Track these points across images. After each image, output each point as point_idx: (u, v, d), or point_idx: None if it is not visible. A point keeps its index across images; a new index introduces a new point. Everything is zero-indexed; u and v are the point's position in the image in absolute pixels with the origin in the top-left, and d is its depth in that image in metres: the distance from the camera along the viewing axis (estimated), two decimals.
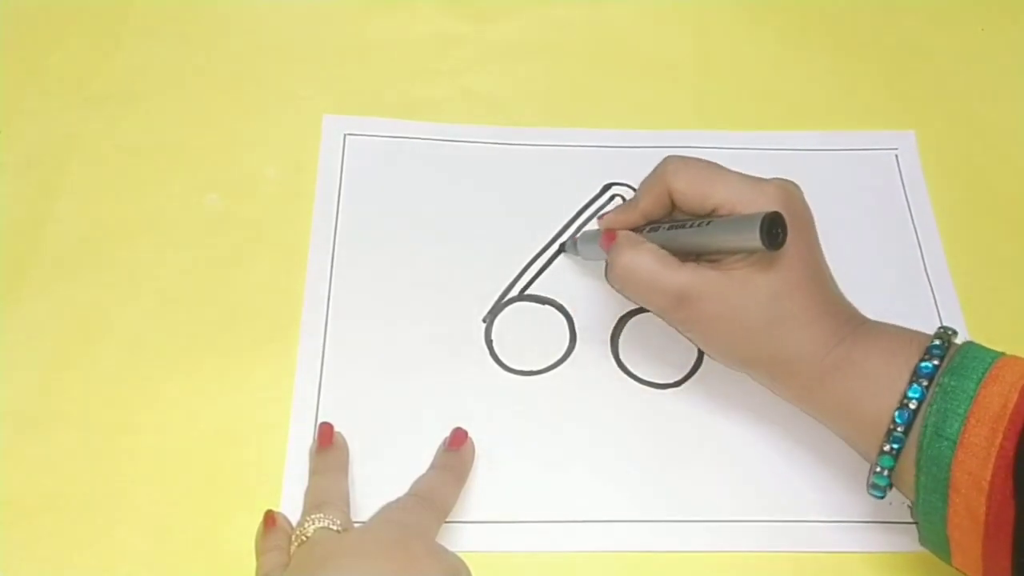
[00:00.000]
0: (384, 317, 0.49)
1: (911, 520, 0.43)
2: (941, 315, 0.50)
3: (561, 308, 0.50)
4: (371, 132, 0.56)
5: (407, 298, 0.50)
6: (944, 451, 0.37)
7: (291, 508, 0.43)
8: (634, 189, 0.53)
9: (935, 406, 0.38)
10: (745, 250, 0.41)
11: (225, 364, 0.47)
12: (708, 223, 0.43)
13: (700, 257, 0.43)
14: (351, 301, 0.50)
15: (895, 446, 0.39)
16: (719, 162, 0.44)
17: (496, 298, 0.50)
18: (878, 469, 0.40)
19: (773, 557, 0.44)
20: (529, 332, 0.49)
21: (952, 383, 0.38)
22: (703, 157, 0.45)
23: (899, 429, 0.39)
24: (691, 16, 0.62)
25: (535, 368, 0.48)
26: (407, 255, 0.51)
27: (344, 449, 0.45)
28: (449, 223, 0.53)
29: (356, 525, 0.42)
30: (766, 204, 0.41)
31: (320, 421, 0.46)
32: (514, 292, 0.51)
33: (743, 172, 0.43)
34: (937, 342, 0.40)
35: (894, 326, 0.43)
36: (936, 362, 0.39)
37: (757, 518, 0.45)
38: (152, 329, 0.48)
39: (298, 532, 0.40)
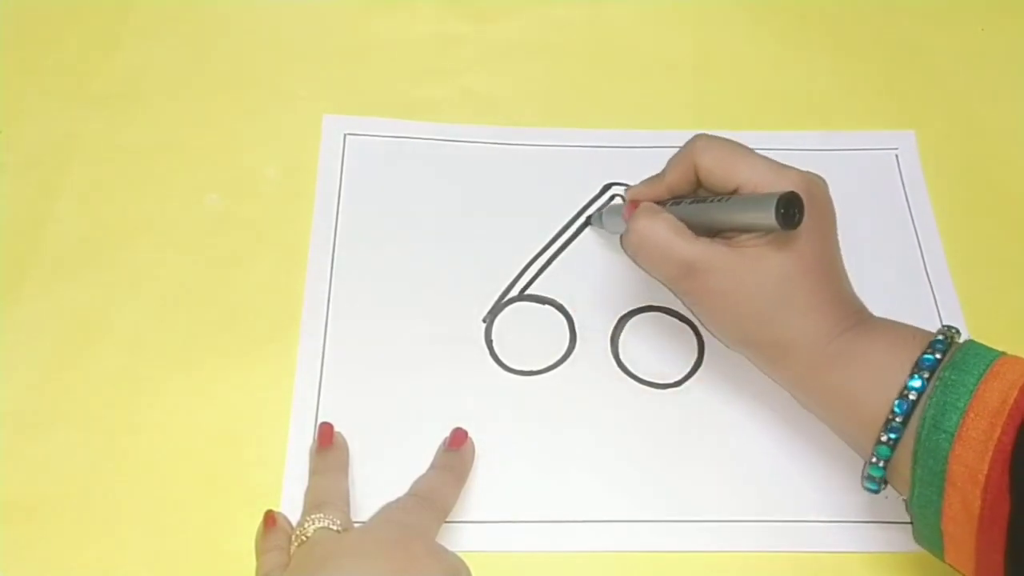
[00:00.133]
0: (384, 317, 0.49)
1: (910, 520, 0.43)
2: (941, 315, 0.51)
3: (561, 308, 0.50)
4: (371, 132, 0.56)
5: (407, 298, 0.50)
6: (942, 444, 0.37)
7: (291, 508, 0.43)
8: None
9: (935, 399, 0.38)
10: (760, 228, 0.42)
11: (225, 364, 0.47)
12: (728, 199, 0.43)
13: (718, 234, 0.44)
14: (351, 301, 0.50)
15: (893, 436, 0.39)
16: None
17: (496, 298, 0.50)
18: (874, 460, 0.40)
19: (773, 557, 0.44)
20: (529, 332, 0.49)
21: (953, 377, 0.38)
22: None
23: (897, 419, 0.39)
24: (691, 16, 0.62)
25: (535, 368, 0.48)
26: (407, 255, 0.51)
27: (344, 449, 0.45)
28: (449, 223, 0.53)
29: (356, 525, 0.42)
30: (787, 188, 0.42)
31: (320, 421, 0.46)
32: (514, 292, 0.51)
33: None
34: (940, 337, 0.40)
35: (900, 322, 0.43)
36: (938, 355, 0.39)
37: (757, 518, 0.45)
38: (152, 329, 0.48)
39: (298, 532, 0.40)
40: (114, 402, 0.46)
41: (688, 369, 0.49)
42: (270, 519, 0.42)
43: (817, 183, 0.44)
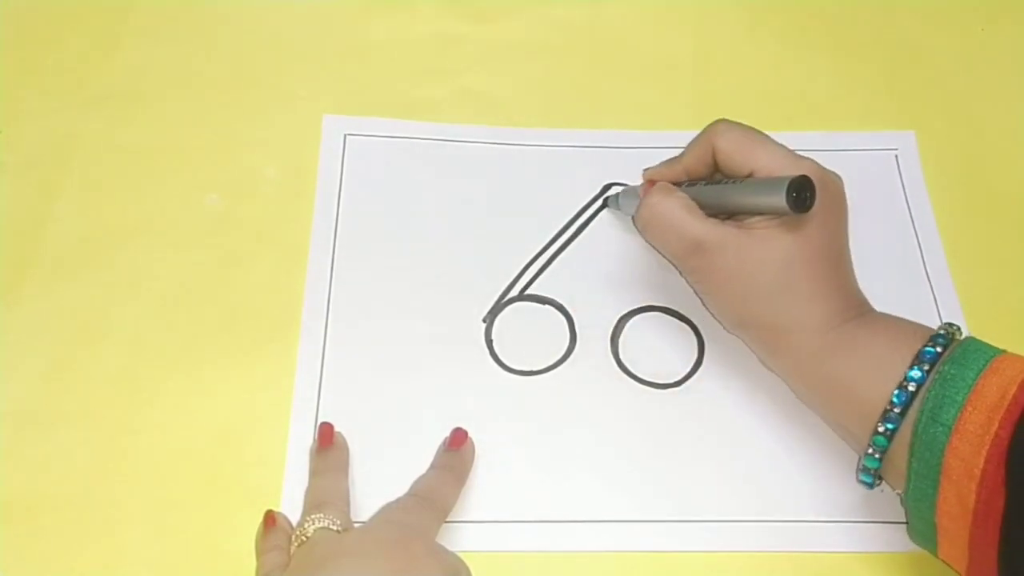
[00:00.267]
0: (384, 317, 0.49)
1: (905, 517, 0.43)
2: (941, 315, 0.51)
3: (561, 308, 0.50)
4: (371, 132, 0.56)
5: (407, 298, 0.50)
6: (939, 436, 0.37)
7: (291, 508, 0.43)
8: None
9: (933, 391, 0.38)
10: (772, 210, 0.42)
11: (225, 364, 0.47)
12: (741, 181, 0.43)
13: (731, 218, 0.44)
14: (351, 301, 0.50)
15: (890, 427, 0.39)
16: None
17: (496, 298, 0.50)
18: (870, 451, 0.40)
19: (773, 557, 0.44)
20: (529, 332, 0.49)
21: (952, 371, 0.38)
22: None
23: (896, 410, 0.39)
24: (691, 16, 0.62)
25: (535, 368, 0.48)
26: (407, 255, 0.51)
27: (344, 449, 0.45)
28: (449, 223, 0.53)
29: (356, 525, 0.42)
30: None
31: (320, 421, 0.46)
32: (514, 292, 0.51)
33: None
34: (942, 332, 0.40)
35: (902, 318, 0.43)
36: (939, 349, 0.39)
37: (757, 518, 0.45)
38: (152, 329, 0.48)
39: (298, 532, 0.40)
40: (114, 402, 0.46)
41: (688, 369, 0.49)
42: (270, 519, 0.42)
43: (832, 177, 0.44)
